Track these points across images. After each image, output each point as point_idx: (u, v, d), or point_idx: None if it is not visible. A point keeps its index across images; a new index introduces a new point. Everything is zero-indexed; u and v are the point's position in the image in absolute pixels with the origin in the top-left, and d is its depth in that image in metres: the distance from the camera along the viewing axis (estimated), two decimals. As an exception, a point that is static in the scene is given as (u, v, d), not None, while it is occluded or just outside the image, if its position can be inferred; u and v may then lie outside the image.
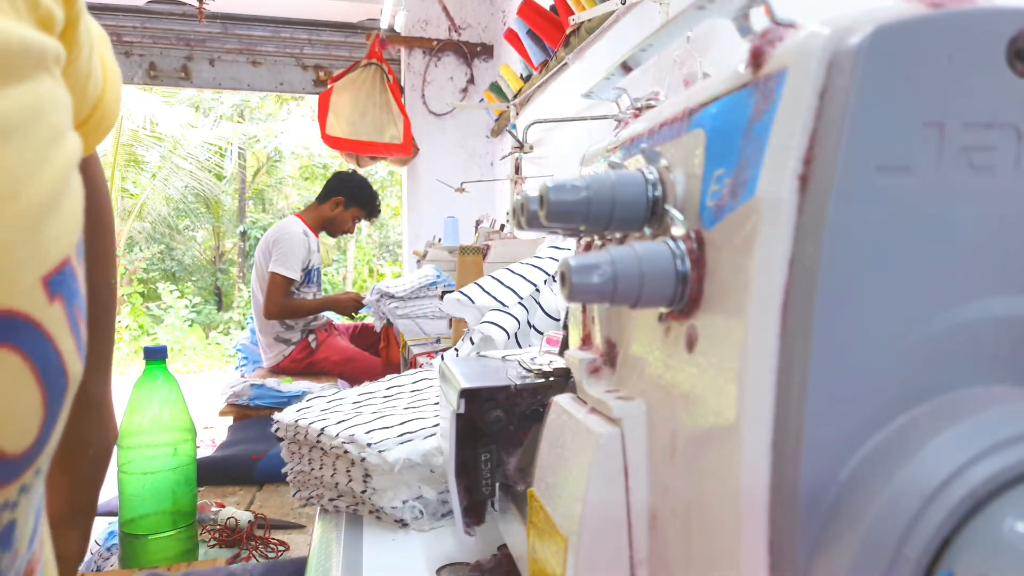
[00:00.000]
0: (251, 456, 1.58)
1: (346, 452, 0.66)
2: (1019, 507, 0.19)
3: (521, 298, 1.06)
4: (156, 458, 0.92)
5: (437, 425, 0.68)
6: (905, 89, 0.22)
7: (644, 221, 0.29)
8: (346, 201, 2.83)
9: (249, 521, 1.14)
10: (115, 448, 0.75)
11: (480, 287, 1.09)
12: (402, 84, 3.75)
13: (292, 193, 10.87)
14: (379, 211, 2.99)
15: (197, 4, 3.12)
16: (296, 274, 2.67)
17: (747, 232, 0.23)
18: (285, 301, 2.67)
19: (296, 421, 0.73)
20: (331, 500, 0.71)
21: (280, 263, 2.65)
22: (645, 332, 0.30)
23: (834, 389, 0.22)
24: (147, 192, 8.91)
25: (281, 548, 1.11)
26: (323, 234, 2.91)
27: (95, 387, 0.61)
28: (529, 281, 1.09)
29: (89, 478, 0.64)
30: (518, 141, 2.33)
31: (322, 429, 0.69)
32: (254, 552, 1.08)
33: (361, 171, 3.45)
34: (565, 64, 2.29)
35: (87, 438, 0.62)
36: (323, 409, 0.77)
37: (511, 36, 2.58)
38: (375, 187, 3.01)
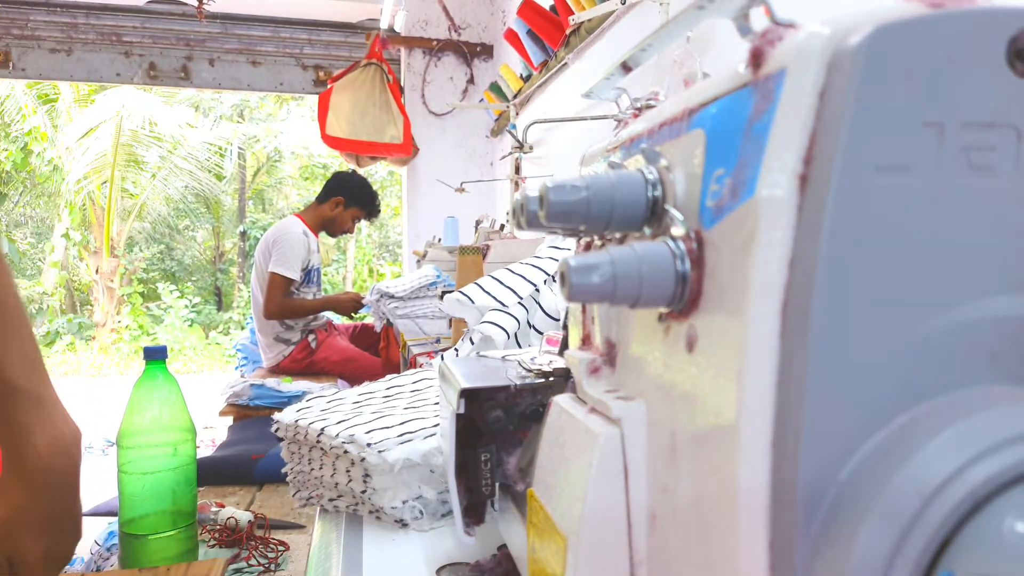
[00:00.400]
0: (251, 456, 1.58)
1: (346, 452, 0.66)
2: (1019, 507, 0.19)
3: (521, 298, 1.06)
4: (156, 458, 0.92)
5: (437, 425, 0.68)
6: (905, 89, 0.22)
7: (644, 221, 0.29)
8: (346, 201, 2.83)
9: (249, 521, 1.14)
10: (115, 448, 0.74)
11: (480, 287, 1.09)
12: (402, 84, 3.74)
13: (292, 193, 10.87)
14: (379, 211, 2.99)
15: (197, 4, 3.12)
16: (296, 274, 2.68)
17: (747, 232, 0.23)
18: (285, 301, 2.68)
19: (296, 421, 0.73)
20: (331, 500, 0.71)
21: (280, 263, 2.65)
22: (645, 332, 0.30)
23: (834, 389, 0.22)
24: (147, 192, 8.90)
25: (281, 548, 1.11)
26: (323, 234, 2.91)
27: (23, 379, 0.61)
28: (529, 281, 1.09)
29: (44, 480, 0.62)
30: (518, 141, 2.33)
31: (322, 429, 0.69)
32: (254, 552, 1.08)
33: (361, 171, 3.45)
34: (565, 64, 2.29)
35: (26, 427, 0.61)
36: (323, 409, 0.77)
37: (511, 36, 2.57)
38: (375, 187, 3.02)
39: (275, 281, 2.65)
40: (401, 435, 0.66)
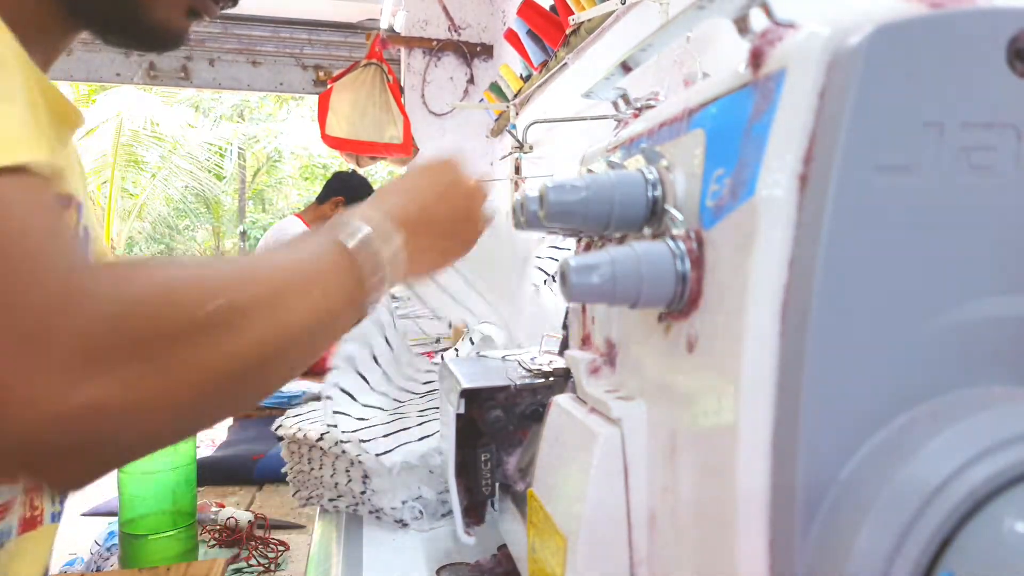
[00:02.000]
0: (251, 456, 1.58)
1: (344, 452, 0.66)
2: (1019, 507, 0.19)
3: (521, 298, 1.06)
4: (156, 458, 0.92)
5: (425, 422, 0.68)
6: (905, 89, 0.22)
7: (644, 221, 0.29)
8: (346, 201, 2.84)
9: (249, 521, 1.14)
10: None
11: (480, 287, 1.08)
12: (402, 84, 3.74)
13: (292, 193, 10.86)
14: None
15: (197, 4, 3.11)
16: None
17: (747, 232, 0.23)
18: None
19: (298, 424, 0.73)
20: (331, 500, 0.71)
21: None
22: (645, 332, 0.30)
23: (834, 389, 0.22)
24: (147, 192, 8.90)
25: (281, 548, 1.11)
26: None
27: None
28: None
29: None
30: (518, 141, 2.33)
31: (322, 435, 0.69)
32: (254, 552, 1.08)
33: (361, 171, 3.45)
34: (565, 64, 2.28)
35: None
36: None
37: (511, 36, 2.57)
38: (375, 187, 3.02)
39: None
40: (391, 434, 0.66)
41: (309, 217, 2.83)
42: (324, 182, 2.94)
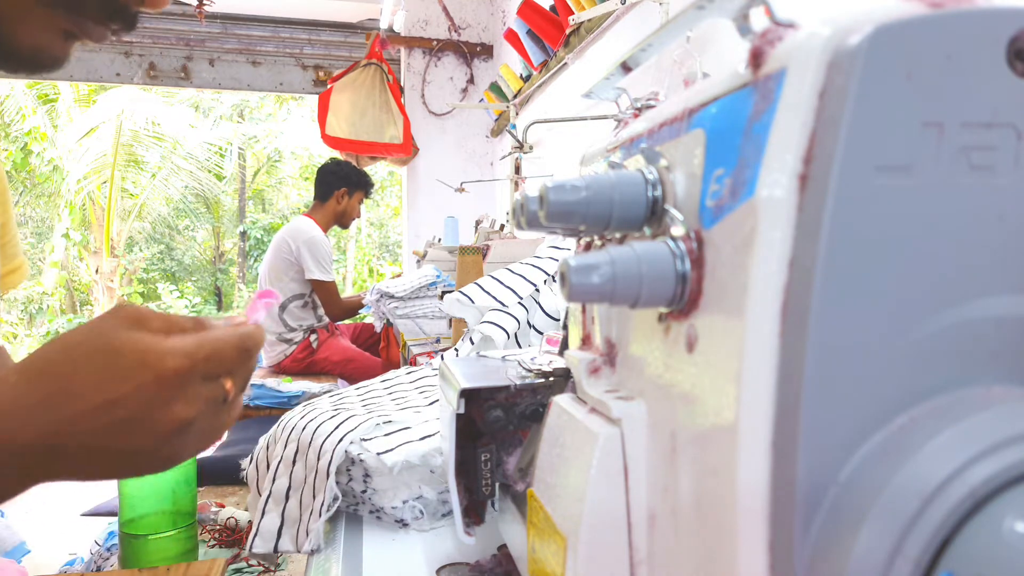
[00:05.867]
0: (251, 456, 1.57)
1: (346, 453, 0.66)
2: (1019, 507, 0.19)
3: (521, 298, 1.06)
4: (156, 458, 0.92)
5: (428, 422, 0.68)
6: (905, 89, 0.22)
7: (644, 221, 0.29)
8: (349, 190, 2.87)
9: (249, 521, 1.14)
10: None
11: (480, 287, 1.08)
12: (402, 84, 3.74)
13: (292, 193, 10.87)
14: (373, 184, 3.05)
15: (197, 4, 3.11)
16: (333, 276, 2.77)
17: (747, 232, 0.23)
18: (343, 302, 2.80)
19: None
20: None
21: (322, 270, 2.79)
22: (645, 332, 0.30)
23: (833, 389, 0.22)
24: (147, 192, 8.90)
25: (281, 548, 1.11)
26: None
27: None
28: (529, 281, 1.09)
29: None
30: (518, 141, 2.33)
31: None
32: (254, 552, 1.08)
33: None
34: (565, 64, 2.28)
35: None
36: (325, 410, 0.77)
37: (511, 36, 2.57)
38: (374, 188, 3.05)
39: (326, 288, 2.75)
40: (392, 433, 0.66)
41: (320, 216, 2.85)
42: (316, 182, 2.97)
